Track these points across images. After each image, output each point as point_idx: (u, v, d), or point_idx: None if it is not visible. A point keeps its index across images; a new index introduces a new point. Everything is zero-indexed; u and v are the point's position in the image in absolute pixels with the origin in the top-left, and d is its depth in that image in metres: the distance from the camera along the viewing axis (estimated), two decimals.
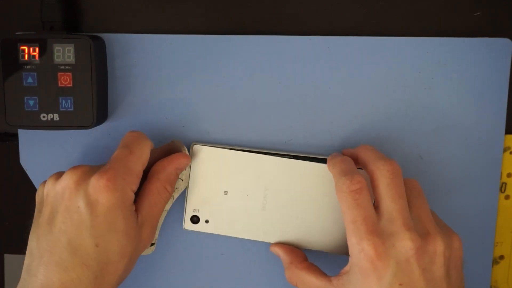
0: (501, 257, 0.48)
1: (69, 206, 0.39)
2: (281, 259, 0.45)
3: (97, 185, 0.38)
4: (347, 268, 0.39)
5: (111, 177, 0.39)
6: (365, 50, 0.45)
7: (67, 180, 0.40)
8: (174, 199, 0.46)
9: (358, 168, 0.42)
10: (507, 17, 0.45)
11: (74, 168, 0.40)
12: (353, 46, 0.45)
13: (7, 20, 0.47)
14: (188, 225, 0.46)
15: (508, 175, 0.47)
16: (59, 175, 0.41)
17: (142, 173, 0.41)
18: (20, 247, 0.50)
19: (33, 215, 0.49)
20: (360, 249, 0.37)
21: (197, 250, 0.48)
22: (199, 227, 0.46)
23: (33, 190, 0.47)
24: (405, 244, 0.37)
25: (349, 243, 0.38)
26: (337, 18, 0.46)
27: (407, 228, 0.37)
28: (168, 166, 0.43)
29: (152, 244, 0.46)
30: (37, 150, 0.47)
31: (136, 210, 0.41)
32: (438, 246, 0.38)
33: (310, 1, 0.46)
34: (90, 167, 0.41)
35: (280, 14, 0.46)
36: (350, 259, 0.38)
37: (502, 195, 0.47)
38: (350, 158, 0.43)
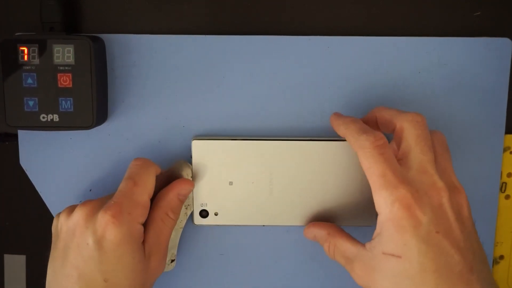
0: (501, 257, 0.48)
1: (79, 243, 0.40)
2: (318, 236, 0.44)
3: (102, 221, 0.39)
4: (377, 230, 0.38)
5: (116, 213, 0.39)
6: (365, 50, 0.45)
7: (77, 217, 0.41)
8: (188, 216, 0.46)
9: None
10: (507, 17, 0.45)
11: (84, 203, 0.41)
12: (353, 46, 0.45)
13: (7, 21, 0.47)
14: (198, 220, 0.46)
15: (508, 175, 0.47)
16: (71, 209, 0.42)
17: (149, 203, 0.42)
18: (20, 247, 0.50)
19: (32, 216, 0.49)
20: (394, 199, 0.36)
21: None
22: (209, 220, 0.46)
23: (33, 190, 0.47)
24: (437, 192, 0.36)
25: (378, 198, 0.37)
26: (337, 18, 0.46)
27: (438, 178, 0.37)
28: (168, 194, 0.43)
29: (172, 261, 0.46)
30: (37, 150, 0.47)
31: (143, 241, 0.41)
32: (463, 198, 0.38)
33: (310, 1, 0.46)
34: (100, 201, 0.42)
35: (280, 14, 0.46)
36: (379, 218, 0.37)
37: (502, 195, 0.47)
38: (359, 119, 0.42)
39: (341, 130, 0.41)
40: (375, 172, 0.37)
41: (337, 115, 0.43)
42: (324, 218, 0.46)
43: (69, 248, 0.40)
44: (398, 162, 0.38)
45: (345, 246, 0.41)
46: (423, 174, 0.37)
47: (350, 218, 0.46)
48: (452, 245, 0.35)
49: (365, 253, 0.38)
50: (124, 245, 0.39)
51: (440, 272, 0.35)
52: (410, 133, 0.38)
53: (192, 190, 0.45)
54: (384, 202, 0.36)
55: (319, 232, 0.44)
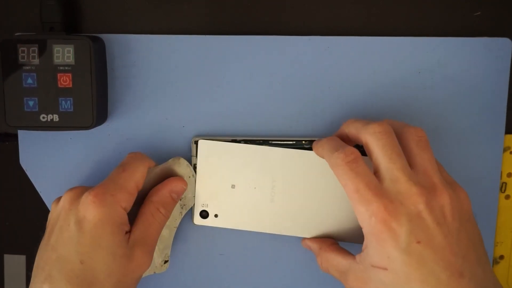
0: (501, 257, 0.48)
1: (62, 225, 0.40)
2: (312, 249, 0.45)
3: (85, 201, 0.39)
4: (365, 243, 0.38)
5: (98, 193, 0.40)
6: (365, 50, 0.45)
7: (63, 201, 0.41)
8: (183, 215, 0.46)
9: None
10: (507, 17, 0.45)
11: (71, 189, 0.42)
12: (352, 46, 0.45)
13: (7, 21, 0.47)
14: (197, 220, 0.46)
15: (508, 175, 0.47)
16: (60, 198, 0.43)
17: (135, 191, 0.42)
18: (20, 247, 0.50)
19: (32, 217, 0.50)
20: (370, 214, 0.36)
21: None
22: (209, 221, 0.46)
23: (33, 190, 0.48)
24: (413, 200, 0.36)
25: (358, 214, 0.37)
26: (337, 18, 0.46)
27: (412, 184, 0.36)
28: (161, 190, 0.44)
29: (166, 262, 0.46)
30: (37, 150, 0.47)
31: (130, 232, 0.41)
32: (445, 198, 0.36)
33: (310, 1, 0.46)
34: (86, 187, 0.42)
35: (280, 14, 0.46)
36: (363, 231, 0.37)
37: (502, 195, 0.47)
38: (335, 136, 0.42)
39: (319, 152, 0.42)
40: (350, 189, 0.37)
41: (316, 140, 0.44)
42: (324, 232, 0.45)
43: (53, 232, 0.41)
44: (374, 174, 0.38)
45: (337, 260, 0.41)
46: (396, 184, 0.37)
47: (353, 234, 0.45)
48: (436, 253, 0.35)
49: (357, 265, 0.39)
50: (103, 226, 0.39)
51: (427, 281, 0.35)
52: (375, 145, 0.38)
53: (185, 189, 0.45)
54: (363, 218, 0.37)
55: (312, 245, 0.45)
